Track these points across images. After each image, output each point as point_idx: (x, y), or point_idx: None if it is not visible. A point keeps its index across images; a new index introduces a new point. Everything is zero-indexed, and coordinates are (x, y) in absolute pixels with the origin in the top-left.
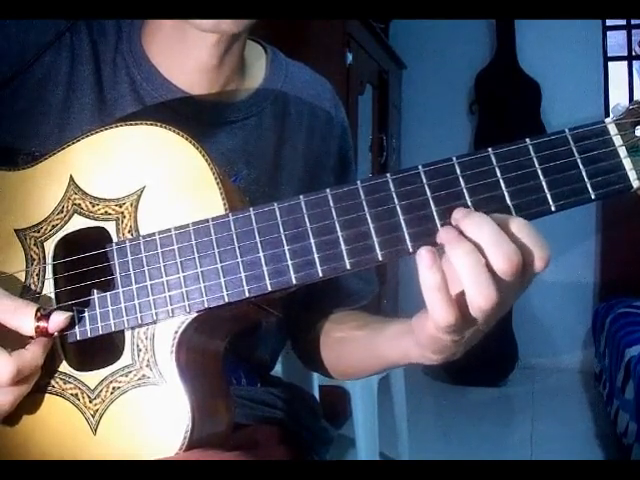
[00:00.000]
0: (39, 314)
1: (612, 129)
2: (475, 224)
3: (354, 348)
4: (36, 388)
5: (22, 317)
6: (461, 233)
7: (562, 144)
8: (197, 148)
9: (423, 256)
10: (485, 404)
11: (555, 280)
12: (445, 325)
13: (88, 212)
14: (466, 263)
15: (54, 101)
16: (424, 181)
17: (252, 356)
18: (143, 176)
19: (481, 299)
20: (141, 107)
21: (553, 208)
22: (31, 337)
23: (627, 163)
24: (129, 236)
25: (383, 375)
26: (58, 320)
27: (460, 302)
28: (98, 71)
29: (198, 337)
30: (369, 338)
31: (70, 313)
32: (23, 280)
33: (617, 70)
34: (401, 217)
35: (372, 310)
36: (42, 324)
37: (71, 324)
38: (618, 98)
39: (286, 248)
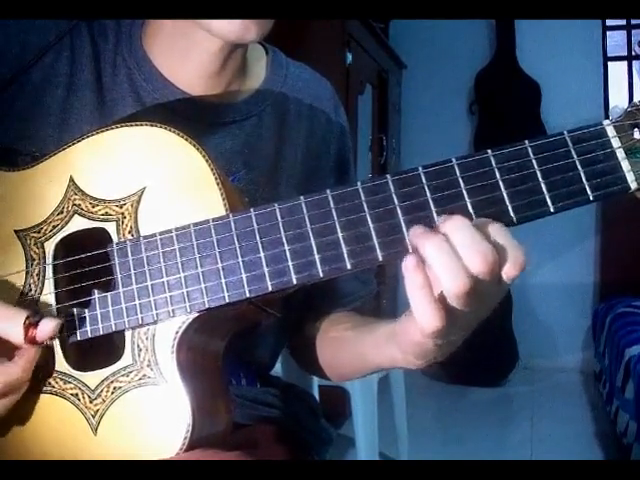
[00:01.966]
0: (28, 321)
1: (610, 131)
2: (450, 224)
3: (344, 349)
4: (37, 388)
5: (10, 324)
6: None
7: (561, 146)
8: (197, 149)
9: (407, 260)
10: (485, 404)
11: (555, 280)
12: (432, 330)
13: (88, 213)
14: (435, 253)
15: (54, 102)
16: (424, 182)
17: (252, 356)
18: (143, 177)
19: (454, 287)
20: (141, 108)
21: (552, 209)
22: (19, 346)
23: (625, 165)
24: (129, 237)
25: (383, 375)
26: (47, 327)
27: (443, 303)
28: (98, 72)
29: (198, 337)
30: (357, 341)
31: (60, 320)
32: (23, 280)
33: (617, 70)
34: (401, 218)
35: (371, 311)
36: (31, 332)
37: (62, 329)
38: (618, 98)
39: (287, 249)
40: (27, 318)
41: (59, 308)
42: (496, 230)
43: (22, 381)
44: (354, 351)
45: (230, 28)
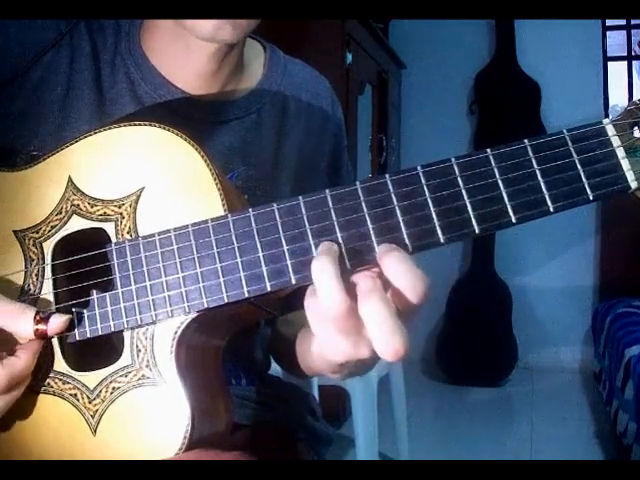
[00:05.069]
0: (38, 317)
1: (610, 130)
2: (370, 306)
3: (308, 348)
4: (36, 388)
5: (21, 320)
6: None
7: (560, 145)
8: (196, 149)
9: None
10: (485, 404)
11: (555, 280)
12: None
13: (87, 213)
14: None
15: (53, 102)
16: (423, 182)
17: (251, 356)
18: (142, 177)
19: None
20: (140, 107)
21: (552, 209)
22: (29, 340)
23: (625, 164)
24: (128, 237)
25: (383, 375)
26: (57, 322)
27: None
28: (97, 71)
29: (197, 337)
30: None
31: (69, 315)
32: (22, 281)
33: (617, 70)
34: (400, 218)
35: None
36: (41, 327)
37: (70, 325)
38: (618, 98)
39: (285, 248)
40: (37, 314)
41: (58, 308)
42: (395, 262)
43: (25, 375)
44: (308, 352)
45: (204, 27)
